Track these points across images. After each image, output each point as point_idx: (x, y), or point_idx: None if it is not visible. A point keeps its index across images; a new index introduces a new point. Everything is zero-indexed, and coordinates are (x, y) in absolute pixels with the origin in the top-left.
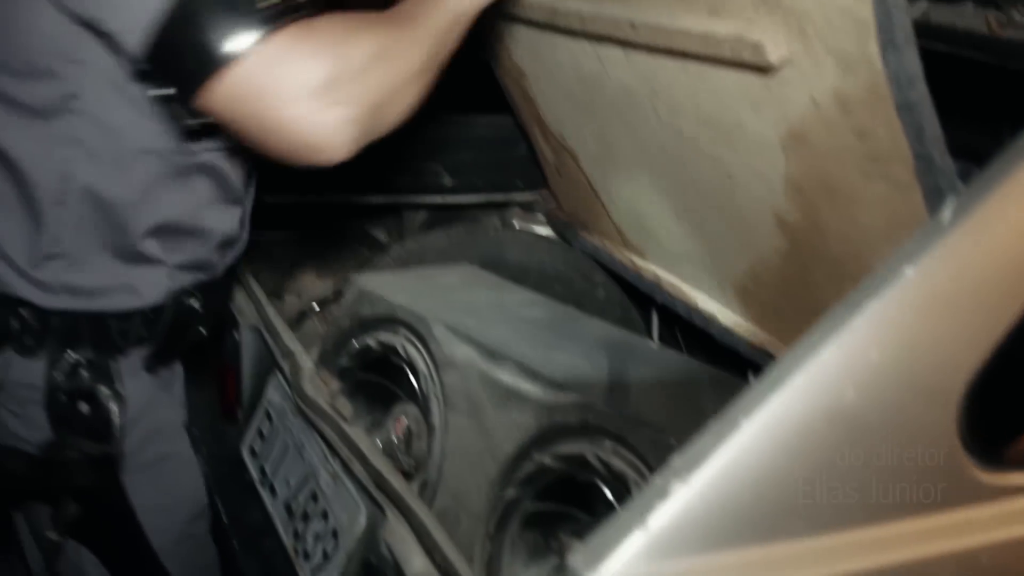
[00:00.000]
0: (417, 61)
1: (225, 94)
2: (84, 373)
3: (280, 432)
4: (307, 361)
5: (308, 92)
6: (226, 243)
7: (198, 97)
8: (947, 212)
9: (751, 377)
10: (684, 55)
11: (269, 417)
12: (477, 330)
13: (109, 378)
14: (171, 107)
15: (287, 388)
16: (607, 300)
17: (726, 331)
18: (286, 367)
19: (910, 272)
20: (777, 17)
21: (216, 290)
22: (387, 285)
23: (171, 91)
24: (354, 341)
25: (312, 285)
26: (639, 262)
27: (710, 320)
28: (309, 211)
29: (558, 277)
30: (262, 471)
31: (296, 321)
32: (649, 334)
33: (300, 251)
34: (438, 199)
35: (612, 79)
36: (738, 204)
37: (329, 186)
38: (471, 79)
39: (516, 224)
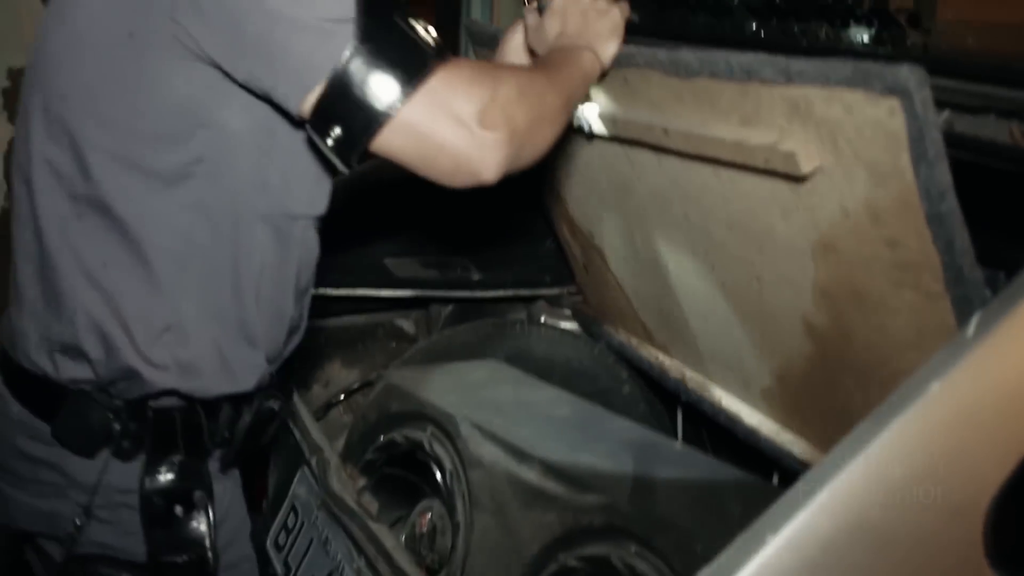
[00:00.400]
0: (556, 101)
1: (396, 131)
2: (179, 476)
3: (306, 526)
4: (334, 457)
5: (469, 115)
6: (293, 329)
7: (368, 142)
8: (972, 327)
9: (776, 478)
10: (716, 161)
11: (295, 510)
12: (504, 428)
13: (202, 480)
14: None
15: (314, 483)
16: (632, 396)
17: (751, 431)
18: (313, 462)
19: (935, 387)
20: (810, 128)
21: (284, 388)
22: (415, 381)
23: (330, 141)
24: (381, 435)
25: (339, 375)
26: (664, 359)
27: (735, 419)
28: (337, 302)
29: (584, 372)
30: (287, 565)
31: (322, 411)
32: (674, 431)
33: (327, 341)
34: (466, 293)
35: (643, 182)
36: (766, 307)
37: (357, 279)
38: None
39: (543, 318)
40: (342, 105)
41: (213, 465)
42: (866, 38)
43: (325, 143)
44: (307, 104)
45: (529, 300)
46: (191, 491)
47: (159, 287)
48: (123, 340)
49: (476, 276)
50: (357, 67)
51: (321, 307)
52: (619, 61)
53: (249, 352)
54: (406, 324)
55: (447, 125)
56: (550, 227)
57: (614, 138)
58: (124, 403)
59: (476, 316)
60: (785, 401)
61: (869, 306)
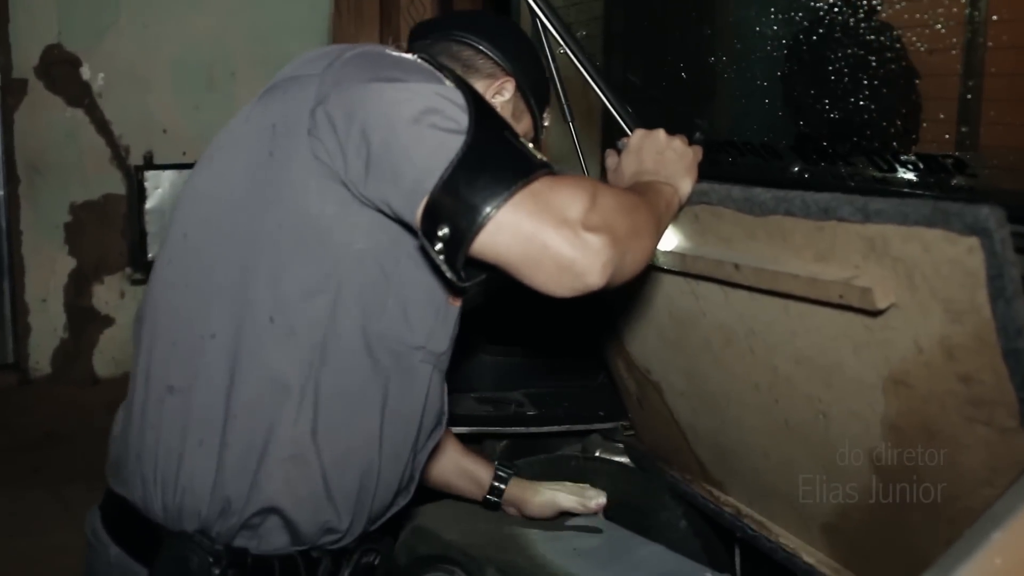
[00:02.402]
0: (649, 218)
1: (501, 229)
2: None
3: None
4: None
5: (573, 217)
6: (404, 485)
7: (474, 239)
8: None
9: None
10: (787, 296)
11: None
12: (530, 571)
13: None
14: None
15: None
16: (690, 532)
17: (810, 569)
18: None
19: (997, 536)
20: (886, 264)
21: (384, 542)
22: (443, 521)
23: (439, 245)
24: None
25: None
26: (720, 495)
27: (793, 557)
28: None
29: (640, 507)
30: None
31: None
32: (732, 567)
33: None
34: (521, 429)
35: (707, 316)
36: (831, 442)
37: None
38: (556, 313)
39: (598, 452)
40: (451, 204)
41: None
42: (913, 181)
43: (434, 248)
44: (420, 210)
45: (584, 434)
46: None
47: (287, 399)
48: (253, 464)
49: (530, 412)
50: (466, 168)
51: None
52: (691, 198)
53: (358, 500)
54: None
55: (552, 225)
56: (603, 362)
57: (680, 273)
58: (224, 548)
59: (530, 451)
60: (847, 538)
61: (940, 441)
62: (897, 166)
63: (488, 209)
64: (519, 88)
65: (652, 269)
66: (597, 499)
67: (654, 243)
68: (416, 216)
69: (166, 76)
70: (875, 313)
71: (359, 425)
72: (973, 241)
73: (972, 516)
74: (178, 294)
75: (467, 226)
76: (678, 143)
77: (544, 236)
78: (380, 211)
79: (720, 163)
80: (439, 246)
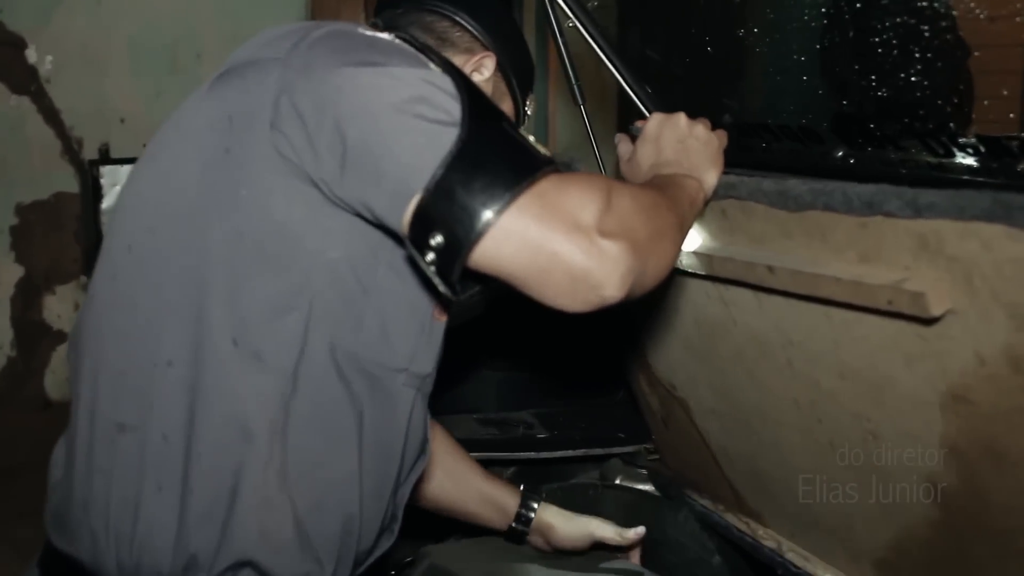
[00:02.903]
0: (672, 219)
1: (505, 237)
2: None
3: None
4: None
5: (586, 221)
6: (388, 524)
7: (472, 249)
8: None
9: None
10: (828, 302)
11: None
12: None
13: None
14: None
15: None
16: (723, 568)
17: None
18: None
19: None
20: (940, 265)
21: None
22: (458, 559)
23: (431, 255)
24: None
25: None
26: (757, 528)
27: None
28: None
29: (667, 542)
30: None
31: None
32: None
33: None
34: (530, 454)
35: (739, 325)
36: (882, 467)
37: None
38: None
39: (618, 480)
40: (445, 208)
41: None
42: (974, 166)
43: (425, 259)
44: (408, 214)
45: (601, 459)
46: None
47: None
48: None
49: (541, 434)
50: (462, 166)
51: None
52: (717, 192)
53: (342, 545)
54: None
55: (563, 231)
56: (622, 377)
57: (707, 277)
58: None
59: (542, 478)
60: (904, 575)
61: (1008, 464)
62: (955, 150)
63: (489, 214)
64: (500, 67)
65: (676, 273)
66: (636, 528)
67: (678, 247)
68: (403, 221)
69: (123, 58)
70: (929, 321)
71: (337, 461)
72: None
73: None
74: (124, 316)
75: (464, 234)
76: (701, 129)
77: (554, 244)
78: (358, 215)
79: (752, 149)
80: (431, 256)
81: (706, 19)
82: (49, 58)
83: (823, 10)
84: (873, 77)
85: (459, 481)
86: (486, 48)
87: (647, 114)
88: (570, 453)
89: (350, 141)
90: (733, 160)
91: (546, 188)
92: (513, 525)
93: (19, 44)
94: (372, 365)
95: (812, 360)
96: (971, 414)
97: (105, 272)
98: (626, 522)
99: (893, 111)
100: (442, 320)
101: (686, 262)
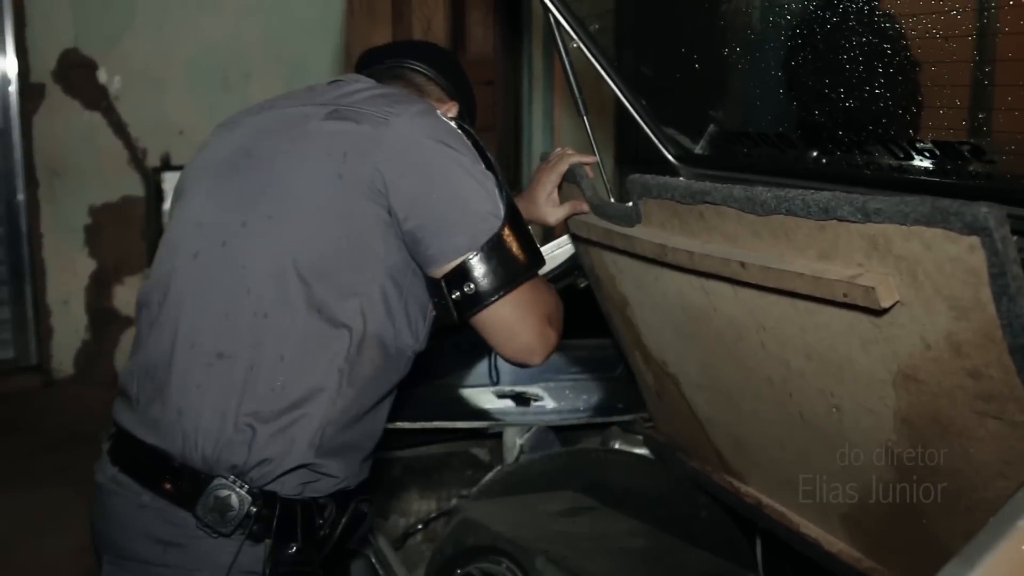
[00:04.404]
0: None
1: (510, 303)
2: (298, 560)
3: None
4: None
5: (548, 318)
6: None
7: (489, 303)
8: None
9: None
10: (793, 294)
11: None
12: (577, 562)
13: (315, 567)
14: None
15: None
16: (710, 522)
17: (830, 558)
18: None
19: (1022, 524)
20: (888, 263)
21: (372, 494)
22: (490, 514)
23: (458, 295)
24: (458, 569)
25: (416, 505)
26: (740, 486)
27: (813, 546)
28: (413, 432)
29: (661, 500)
30: None
31: (400, 540)
32: (754, 555)
33: (404, 471)
34: (540, 423)
35: (719, 312)
36: (845, 436)
37: (434, 412)
38: (572, 305)
39: (617, 445)
40: (483, 269)
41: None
42: (929, 168)
43: (452, 297)
44: (449, 266)
45: (603, 426)
46: (310, 573)
47: (322, 381)
48: (291, 433)
49: (550, 404)
50: (503, 244)
51: (398, 438)
52: (694, 197)
53: (365, 458)
54: (481, 453)
55: (536, 319)
56: (621, 354)
57: (690, 270)
58: (259, 489)
59: (550, 444)
60: (866, 528)
61: (952, 435)
62: (913, 153)
63: (509, 281)
64: (460, 113)
65: (664, 267)
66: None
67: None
68: (445, 268)
69: (181, 78)
70: (880, 311)
71: (371, 401)
72: (974, 240)
73: (988, 507)
74: (232, 273)
75: (489, 291)
76: None
77: (529, 324)
78: (404, 242)
79: (735, 154)
80: (457, 297)
81: (693, 40)
82: (117, 78)
83: (796, 32)
84: (841, 91)
85: None
86: (452, 98)
87: (642, 123)
88: (575, 421)
89: (432, 201)
90: (719, 164)
91: (537, 284)
92: None
93: (91, 66)
94: (400, 341)
95: (782, 343)
96: (920, 391)
97: (210, 240)
98: (627, 483)
99: (858, 120)
100: (433, 313)
101: (671, 257)
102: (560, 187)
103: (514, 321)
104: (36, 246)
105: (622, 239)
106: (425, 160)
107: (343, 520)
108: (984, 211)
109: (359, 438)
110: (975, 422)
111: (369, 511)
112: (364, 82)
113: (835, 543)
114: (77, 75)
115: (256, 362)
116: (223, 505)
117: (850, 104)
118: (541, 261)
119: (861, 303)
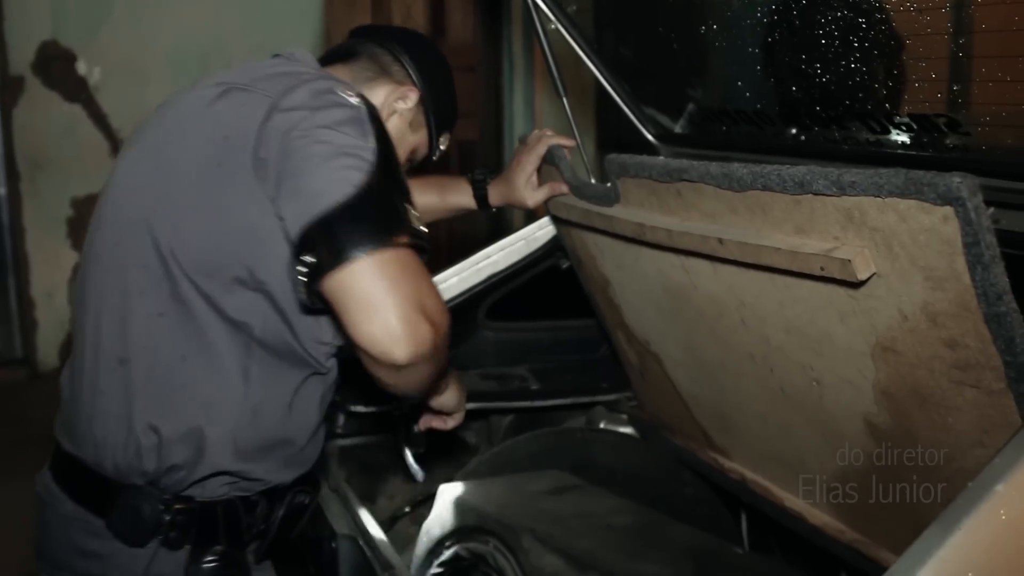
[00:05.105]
0: (441, 369)
1: (356, 273)
2: (221, 564)
3: None
4: (406, 572)
5: (423, 302)
6: (319, 435)
7: (333, 272)
8: None
9: None
10: (771, 269)
11: None
12: (565, 540)
13: (241, 569)
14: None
15: None
16: (696, 499)
17: (815, 530)
18: None
19: (1000, 488)
20: (864, 235)
21: (313, 484)
22: (477, 494)
23: (303, 268)
24: (445, 549)
25: (403, 487)
26: (724, 462)
27: (798, 520)
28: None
29: (646, 477)
30: None
31: (388, 523)
32: (739, 530)
33: (391, 455)
34: (525, 404)
35: (699, 289)
36: (826, 408)
37: None
38: (554, 286)
39: (602, 424)
40: (328, 234)
41: (248, 557)
42: (907, 142)
43: (298, 269)
44: (300, 231)
45: (587, 406)
46: None
47: (227, 379)
48: (199, 436)
49: (534, 386)
50: (353, 207)
51: (383, 422)
52: (671, 175)
53: (287, 450)
54: (468, 435)
55: (406, 294)
56: (604, 334)
57: (669, 248)
58: (173, 496)
59: (536, 425)
60: (849, 500)
61: (931, 405)
62: (890, 127)
63: (355, 250)
64: (422, 102)
65: (644, 246)
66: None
67: (434, 383)
68: (296, 232)
69: (162, 68)
70: (857, 284)
71: (294, 399)
72: (947, 210)
73: (967, 476)
74: (127, 274)
75: (334, 259)
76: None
77: (393, 301)
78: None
79: (714, 133)
80: (302, 270)
81: (671, 20)
82: (97, 69)
83: (773, 8)
84: (817, 66)
85: (413, 189)
86: (414, 84)
87: (622, 105)
88: (560, 402)
89: (289, 164)
90: (699, 142)
91: (405, 257)
92: (475, 187)
93: (70, 58)
94: (305, 334)
95: (761, 319)
96: (898, 362)
97: (108, 238)
98: (612, 461)
99: (835, 96)
100: None
101: (650, 237)
102: (539, 169)
103: (373, 292)
104: (19, 239)
105: (601, 219)
106: (302, 142)
107: (279, 515)
108: (957, 181)
109: (283, 436)
110: (953, 391)
111: (311, 500)
112: (297, 58)
113: (819, 516)
114: (56, 67)
115: (156, 364)
116: (133, 514)
117: (827, 79)
118: (418, 238)
119: (838, 276)
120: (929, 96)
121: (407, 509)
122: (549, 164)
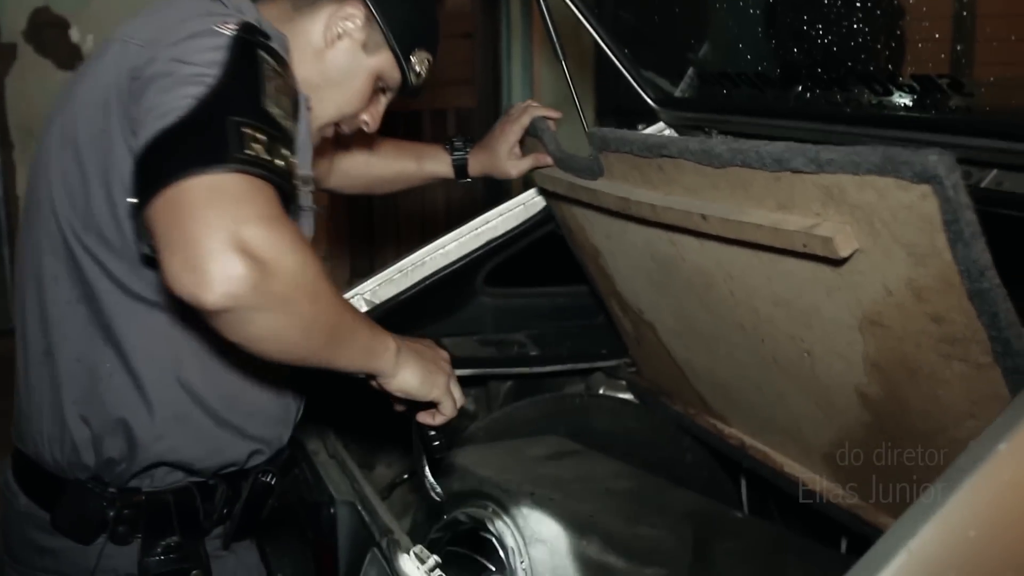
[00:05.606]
0: (326, 322)
1: (165, 203)
2: (175, 557)
3: None
4: (405, 538)
5: (237, 232)
6: (283, 413)
7: (146, 203)
8: None
9: (844, 543)
10: (755, 245)
11: None
12: (564, 504)
13: (199, 560)
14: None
15: (385, 565)
16: (695, 464)
17: (813, 495)
18: (384, 544)
19: (1003, 447)
20: (845, 212)
21: (277, 462)
22: (476, 459)
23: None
24: (444, 514)
25: (402, 455)
26: (723, 428)
27: (797, 485)
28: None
29: (645, 443)
30: None
31: (387, 491)
32: (739, 495)
33: (390, 422)
34: (524, 370)
35: (687, 261)
36: (819, 379)
37: None
38: (553, 252)
39: (602, 390)
40: (144, 166)
41: (213, 544)
42: (909, 104)
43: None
44: (134, 170)
45: (586, 372)
46: (187, 572)
47: (138, 362)
48: (127, 426)
49: (533, 352)
50: (175, 132)
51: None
52: (651, 150)
53: (235, 434)
54: (466, 402)
55: (207, 222)
56: (600, 301)
57: (652, 223)
58: (117, 491)
59: (534, 391)
60: (847, 466)
61: (921, 377)
62: (892, 89)
63: (164, 175)
64: (375, 19)
65: (628, 219)
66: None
67: (306, 345)
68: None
69: None
70: (840, 260)
71: (231, 380)
72: (925, 188)
73: (960, 446)
74: (44, 261)
75: (145, 186)
76: (444, 362)
77: (198, 231)
78: None
79: (715, 96)
80: (133, 200)
81: None
82: (90, 37)
83: None
84: (819, 27)
85: (390, 155)
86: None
87: (622, 69)
88: (559, 368)
89: (140, 109)
90: (700, 106)
91: (227, 184)
92: (453, 156)
93: (63, 25)
94: None
95: (749, 292)
96: (885, 336)
97: (24, 224)
98: (611, 427)
99: (837, 57)
100: None
101: (635, 212)
102: (523, 141)
103: (178, 222)
104: (13, 208)
105: (586, 192)
106: (155, 85)
107: (241, 498)
108: (934, 159)
109: (226, 420)
110: (941, 365)
111: (277, 481)
112: None
113: (819, 482)
114: (49, 34)
115: (77, 354)
116: (76, 510)
117: (829, 40)
118: (264, 168)
119: (820, 253)
120: (932, 57)
121: (405, 476)
122: (532, 136)
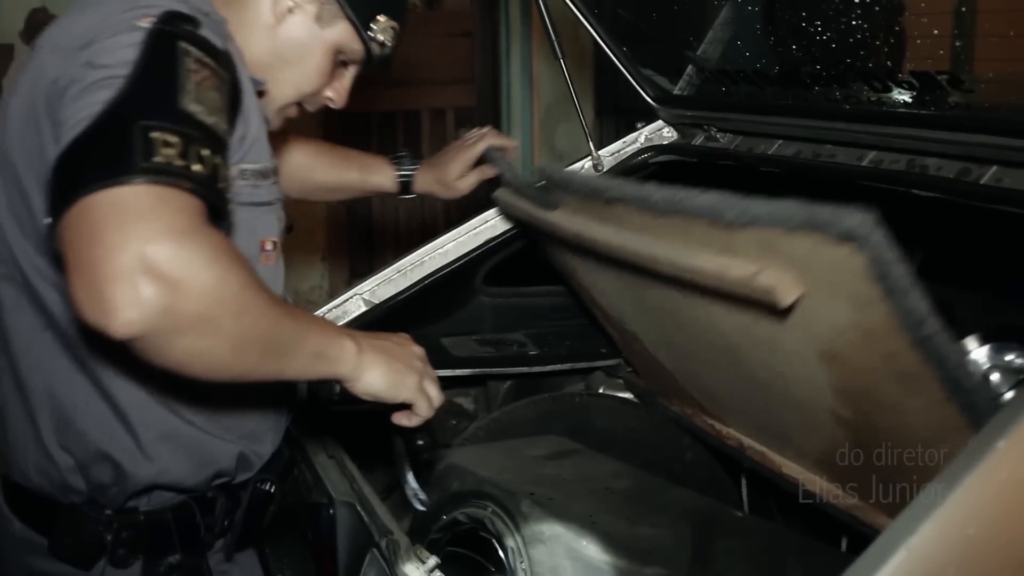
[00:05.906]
0: (256, 333)
1: (70, 223)
2: (179, 572)
3: None
4: (404, 538)
5: (142, 252)
6: (274, 418)
7: (55, 221)
8: None
9: (844, 542)
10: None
11: None
12: (563, 503)
13: (203, 572)
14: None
15: (384, 565)
16: (695, 463)
17: (812, 495)
18: (383, 544)
19: (1002, 445)
20: (782, 262)
21: (274, 470)
22: (476, 459)
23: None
24: (444, 515)
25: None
26: (721, 428)
27: (795, 484)
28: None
29: (645, 442)
30: None
31: (387, 492)
32: (739, 495)
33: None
34: (523, 369)
35: (650, 290)
36: (795, 398)
37: None
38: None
39: (601, 389)
40: (53, 183)
41: (216, 558)
42: (908, 100)
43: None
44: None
45: (586, 372)
46: None
47: (113, 387)
48: (110, 457)
49: (532, 351)
50: (81, 143)
51: None
52: (593, 192)
53: (226, 447)
54: (465, 402)
55: (111, 245)
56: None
57: (607, 256)
58: (114, 512)
59: (534, 390)
60: (840, 469)
61: (886, 408)
62: (892, 85)
63: (71, 196)
64: None
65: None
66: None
67: (241, 362)
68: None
69: None
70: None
71: (209, 395)
72: (852, 245)
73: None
74: (3, 289)
75: (52, 206)
76: (416, 360)
77: (100, 252)
78: None
79: (715, 94)
80: (48, 221)
81: None
82: None
83: None
84: (817, 23)
85: (335, 164)
86: None
87: (620, 66)
88: (558, 367)
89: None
90: (699, 104)
91: (132, 197)
92: (399, 172)
93: None
94: None
95: (711, 320)
96: (844, 367)
97: None
98: (611, 426)
99: (836, 53)
100: None
101: (588, 246)
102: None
103: (81, 244)
104: None
105: (545, 223)
106: (71, 92)
107: (241, 508)
108: (856, 219)
109: (214, 429)
110: (902, 396)
111: (276, 490)
112: None
113: (816, 482)
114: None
115: (52, 383)
116: (73, 535)
117: (828, 37)
118: (179, 176)
119: (764, 301)
120: (931, 53)
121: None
122: (488, 164)
